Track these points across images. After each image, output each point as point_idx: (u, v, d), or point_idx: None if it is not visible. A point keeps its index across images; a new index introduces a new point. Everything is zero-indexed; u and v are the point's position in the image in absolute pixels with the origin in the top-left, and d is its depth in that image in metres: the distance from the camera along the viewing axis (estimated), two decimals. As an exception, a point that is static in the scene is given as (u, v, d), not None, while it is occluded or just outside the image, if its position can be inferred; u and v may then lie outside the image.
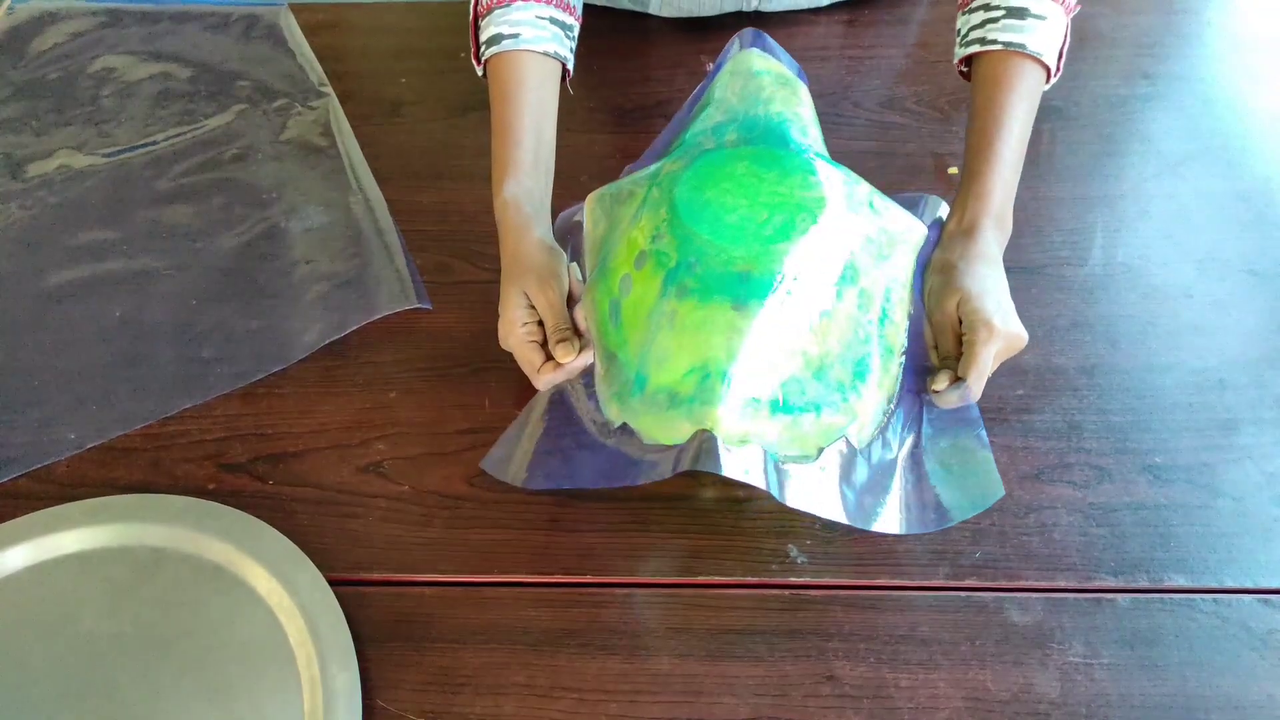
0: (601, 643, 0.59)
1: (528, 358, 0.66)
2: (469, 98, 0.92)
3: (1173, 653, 0.58)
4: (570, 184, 0.83)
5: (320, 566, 0.61)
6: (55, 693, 0.57)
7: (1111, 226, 0.79)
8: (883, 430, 0.64)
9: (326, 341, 0.73)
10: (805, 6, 0.97)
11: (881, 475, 0.62)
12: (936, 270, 0.68)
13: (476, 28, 0.76)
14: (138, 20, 1.00)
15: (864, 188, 0.65)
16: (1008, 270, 0.68)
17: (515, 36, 0.73)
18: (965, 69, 0.76)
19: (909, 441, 0.64)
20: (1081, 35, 0.95)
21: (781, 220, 0.60)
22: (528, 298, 0.67)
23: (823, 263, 0.60)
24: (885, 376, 0.64)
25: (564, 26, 0.76)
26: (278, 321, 0.75)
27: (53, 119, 0.91)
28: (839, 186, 0.63)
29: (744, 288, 0.59)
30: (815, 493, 0.60)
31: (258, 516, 0.64)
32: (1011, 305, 0.66)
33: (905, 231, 0.66)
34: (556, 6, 0.75)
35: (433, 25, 1.01)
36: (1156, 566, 0.61)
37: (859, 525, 0.60)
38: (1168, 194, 0.81)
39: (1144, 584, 0.61)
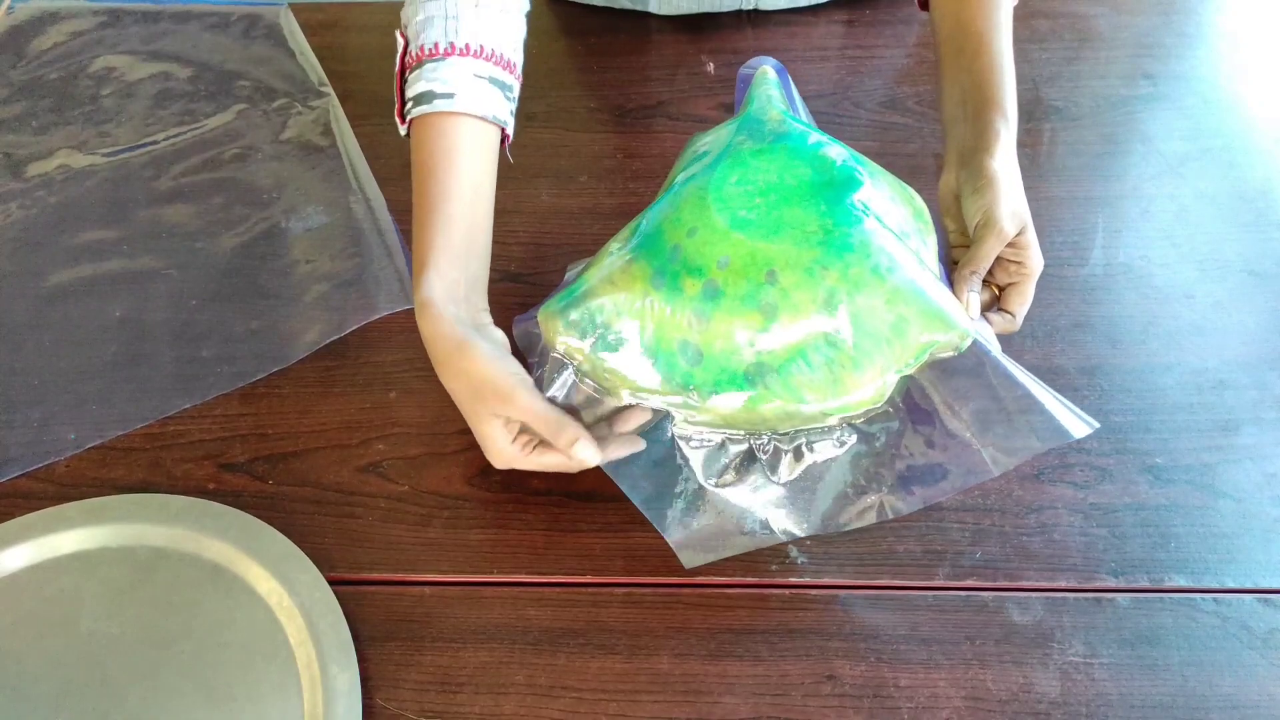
0: (601, 643, 0.59)
1: (547, 464, 0.60)
2: (469, 98, 0.92)
3: (1173, 653, 0.58)
4: (570, 184, 0.84)
5: (320, 566, 0.61)
6: (55, 693, 0.57)
7: (1112, 227, 0.79)
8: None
9: (326, 341, 0.73)
10: (805, 4, 0.97)
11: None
12: (987, 184, 0.63)
13: (403, 80, 0.66)
14: (138, 20, 1.00)
15: None
16: None
17: (449, 96, 0.63)
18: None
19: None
20: (1081, 35, 0.95)
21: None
22: (502, 420, 0.59)
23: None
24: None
25: (504, 87, 0.66)
26: (277, 321, 0.75)
27: (53, 119, 0.90)
28: None
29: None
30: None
31: (257, 516, 0.64)
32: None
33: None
34: (496, 64, 0.65)
35: (433, 25, 1.01)
36: (1157, 567, 0.61)
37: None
38: (1168, 194, 0.81)
39: (1144, 584, 0.61)
